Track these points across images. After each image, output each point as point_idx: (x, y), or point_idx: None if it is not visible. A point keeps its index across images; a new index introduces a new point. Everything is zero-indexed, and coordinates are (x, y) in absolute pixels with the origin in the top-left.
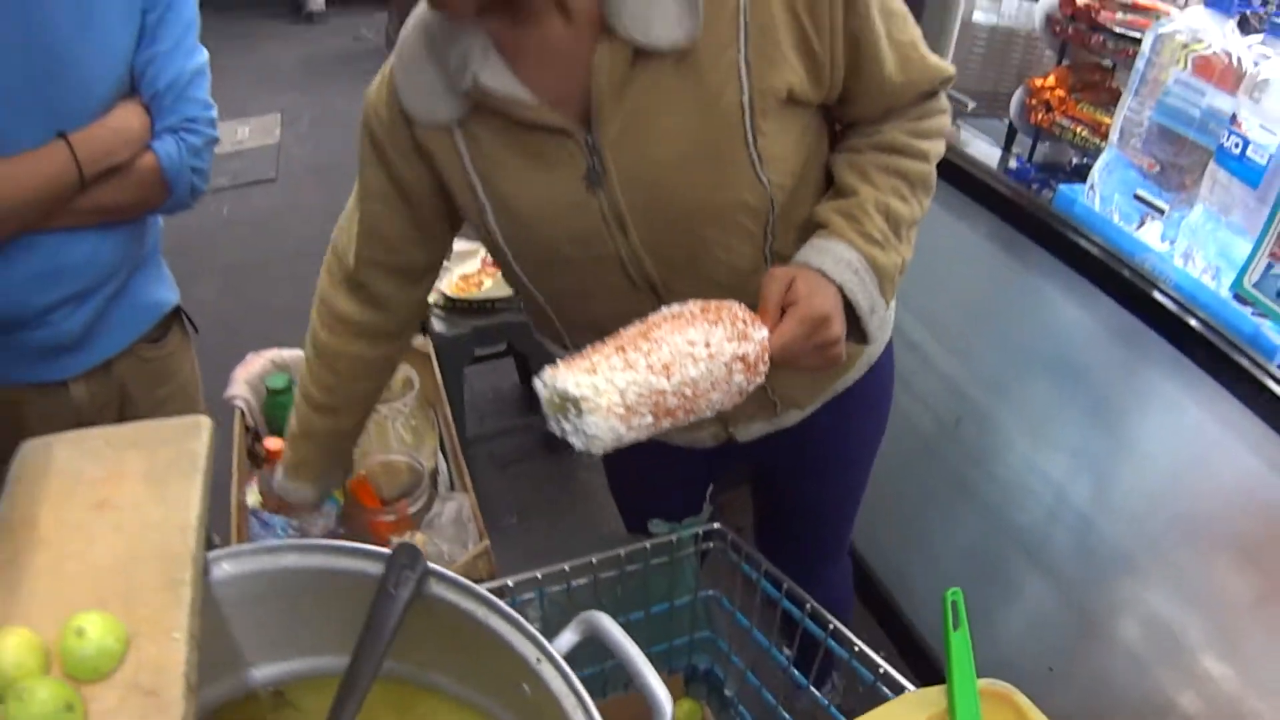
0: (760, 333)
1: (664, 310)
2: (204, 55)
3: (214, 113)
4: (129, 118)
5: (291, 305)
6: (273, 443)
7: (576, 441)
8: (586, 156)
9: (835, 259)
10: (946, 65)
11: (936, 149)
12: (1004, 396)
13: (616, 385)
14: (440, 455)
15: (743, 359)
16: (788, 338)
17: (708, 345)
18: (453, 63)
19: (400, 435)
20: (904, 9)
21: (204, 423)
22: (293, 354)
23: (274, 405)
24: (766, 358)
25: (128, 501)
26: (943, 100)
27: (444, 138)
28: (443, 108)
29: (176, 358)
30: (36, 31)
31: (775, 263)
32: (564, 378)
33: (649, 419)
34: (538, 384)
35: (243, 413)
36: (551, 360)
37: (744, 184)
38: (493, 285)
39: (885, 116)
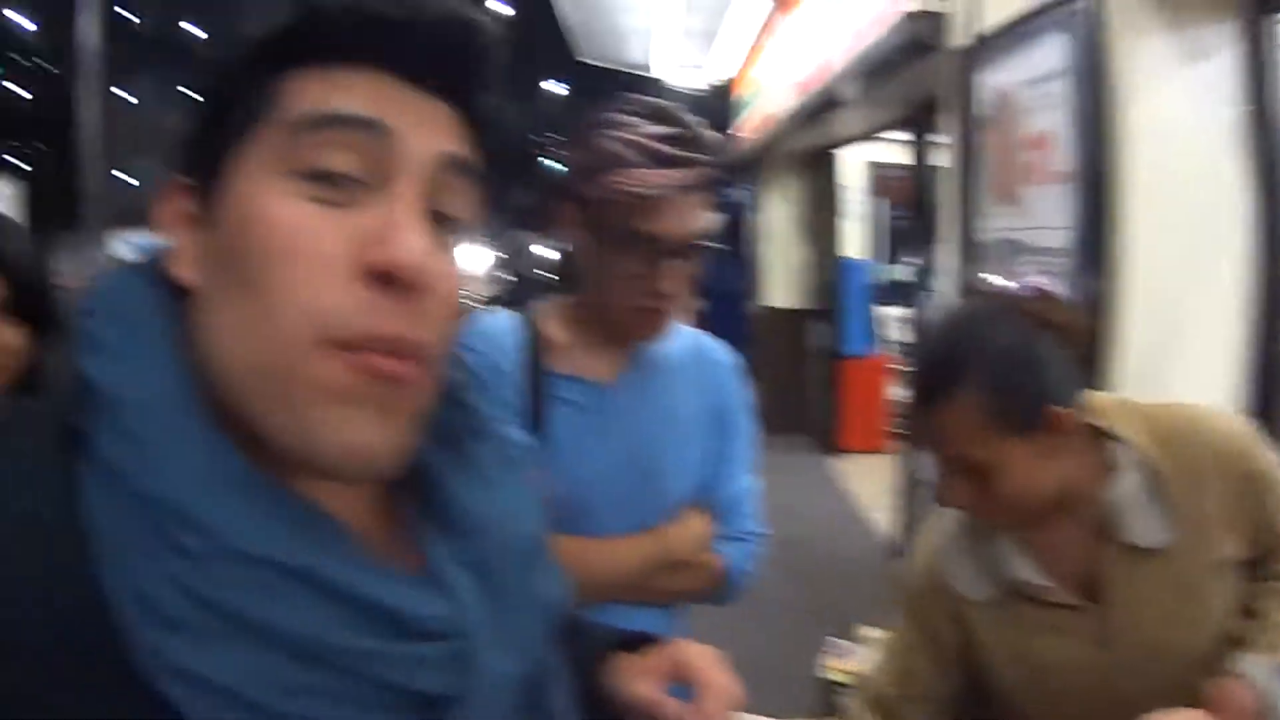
0: None
1: None
2: (754, 480)
3: (761, 529)
4: (702, 524)
5: None
6: None
7: None
8: (1096, 625)
9: (1258, 668)
10: None
11: None
12: None
13: None
14: None
15: None
16: None
17: None
18: (990, 558)
19: None
20: None
21: None
22: None
23: None
24: None
25: None
26: None
27: (975, 607)
28: (977, 589)
29: None
30: (639, 449)
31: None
32: None
33: None
34: None
35: None
36: None
37: (1210, 636)
38: None
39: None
